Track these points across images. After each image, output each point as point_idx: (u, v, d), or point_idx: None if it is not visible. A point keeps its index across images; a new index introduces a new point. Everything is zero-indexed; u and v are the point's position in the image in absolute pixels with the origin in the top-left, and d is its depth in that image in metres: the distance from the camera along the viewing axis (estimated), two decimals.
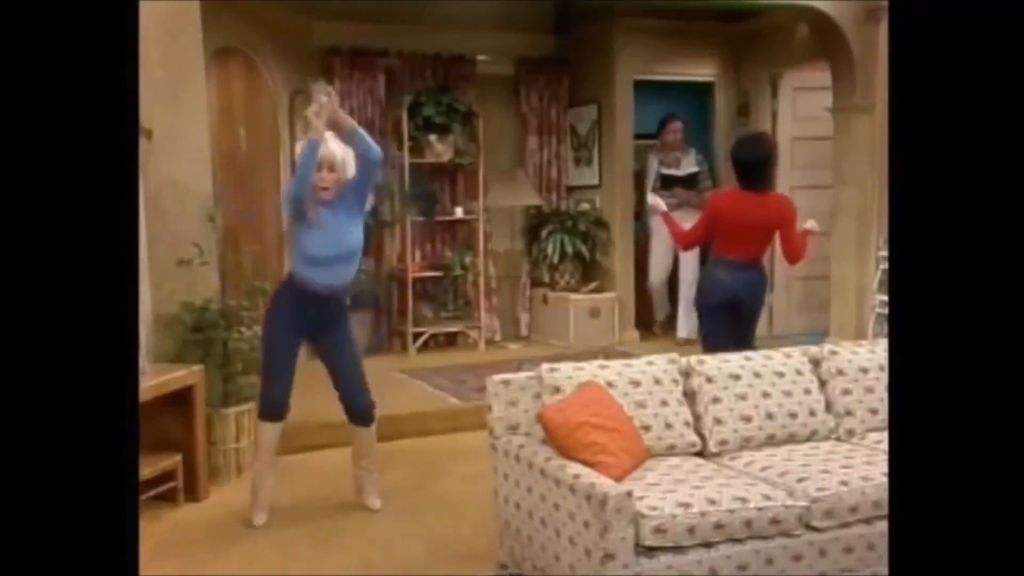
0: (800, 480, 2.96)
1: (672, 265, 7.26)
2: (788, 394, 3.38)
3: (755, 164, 4.36)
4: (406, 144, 6.93)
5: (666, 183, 6.99)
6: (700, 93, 7.81)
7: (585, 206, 7.58)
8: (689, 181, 7.03)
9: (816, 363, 3.54)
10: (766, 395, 3.35)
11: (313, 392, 4.15)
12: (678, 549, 2.67)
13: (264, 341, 3.80)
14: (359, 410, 3.91)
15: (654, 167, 7.19)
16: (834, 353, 3.57)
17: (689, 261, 6.89)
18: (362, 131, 3.61)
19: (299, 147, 3.62)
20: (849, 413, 3.46)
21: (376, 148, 3.60)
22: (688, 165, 7.06)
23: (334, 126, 3.59)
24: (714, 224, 4.46)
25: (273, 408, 3.78)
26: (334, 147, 3.58)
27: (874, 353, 3.61)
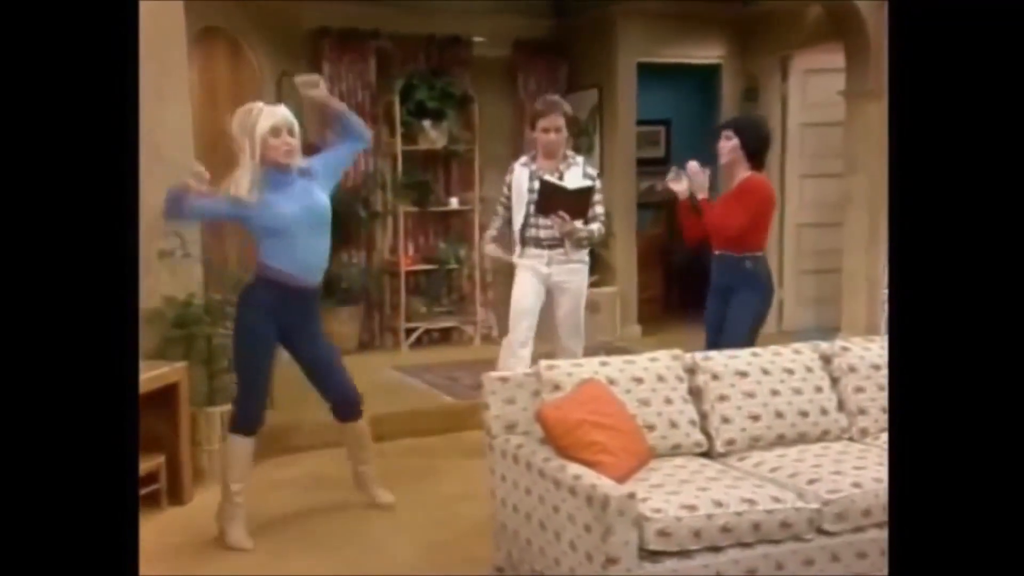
0: (811, 482, 2.96)
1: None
2: (798, 392, 3.39)
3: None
4: (398, 131, 6.92)
5: (546, 198, 4.43)
6: (706, 77, 7.80)
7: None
8: (578, 200, 4.48)
9: (827, 360, 3.54)
10: (775, 393, 3.35)
11: (305, 391, 4.13)
12: (684, 553, 2.67)
13: (237, 347, 3.69)
14: (350, 402, 3.85)
15: (522, 179, 4.62)
16: (846, 349, 3.57)
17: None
18: (352, 114, 3.75)
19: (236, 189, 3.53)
20: (862, 412, 3.46)
21: (367, 132, 3.78)
22: (574, 179, 4.54)
23: (324, 109, 3.68)
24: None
25: (247, 421, 3.68)
26: (284, 108, 3.61)
27: (887, 349, 3.62)
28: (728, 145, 4.25)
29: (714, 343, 4.23)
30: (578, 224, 4.46)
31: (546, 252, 4.59)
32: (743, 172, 4.27)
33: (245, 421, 3.68)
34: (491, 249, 4.82)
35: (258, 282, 3.64)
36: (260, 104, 3.61)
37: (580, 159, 4.72)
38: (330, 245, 3.71)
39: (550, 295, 4.65)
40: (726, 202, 4.28)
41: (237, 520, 3.66)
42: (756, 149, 4.28)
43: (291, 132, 3.56)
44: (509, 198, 4.70)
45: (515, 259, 4.69)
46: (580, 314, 4.72)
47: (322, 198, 3.63)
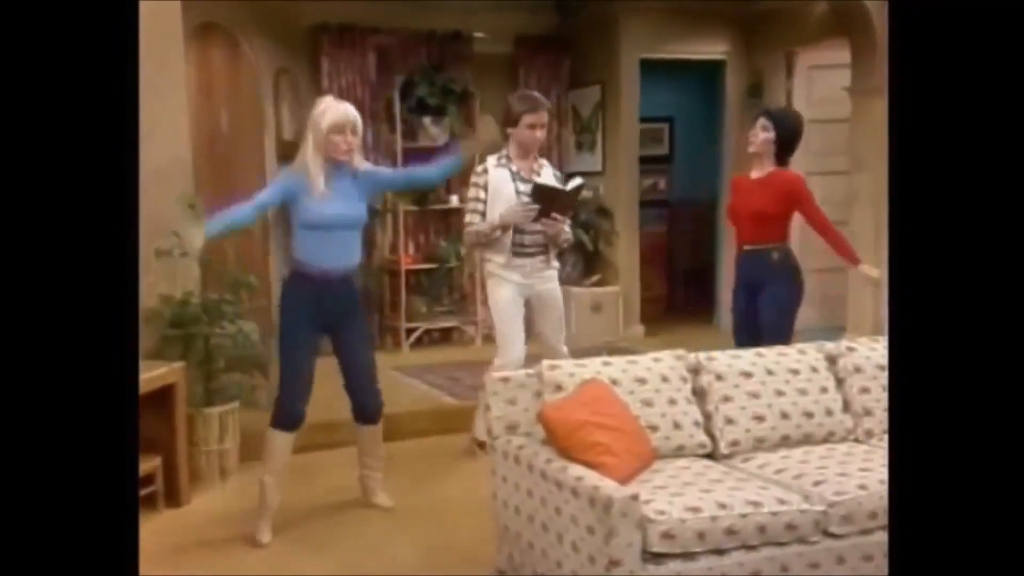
0: (816, 483, 2.97)
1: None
2: (803, 392, 3.40)
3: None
4: (398, 127, 6.93)
5: (543, 202, 4.24)
6: (710, 73, 7.80)
7: (587, 193, 7.59)
8: (570, 199, 4.43)
9: (832, 360, 3.55)
10: (780, 393, 3.36)
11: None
12: (687, 556, 2.68)
13: (279, 342, 3.78)
14: (368, 409, 3.96)
15: (502, 181, 4.37)
16: (851, 350, 3.58)
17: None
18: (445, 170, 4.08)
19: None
20: (868, 413, 3.47)
21: (436, 180, 4.25)
22: (548, 180, 4.39)
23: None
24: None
25: (287, 417, 3.74)
26: (350, 108, 3.70)
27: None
28: (763, 136, 4.42)
29: (745, 339, 4.33)
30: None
31: (528, 260, 4.40)
32: (769, 165, 4.47)
33: (282, 416, 3.74)
34: (479, 226, 4.40)
35: (293, 276, 3.77)
36: (329, 99, 3.73)
37: (544, 160, 4.55)
38: (360, 246, 3.85)
39: (529, 305, 4.52)
40: (752, 192, 4.43)
41: (262, 512, 3.74)
42: (788, 145, 4.47)
43: (353, 131, 3.66)
44: (485, 202, 4.38)
45: (498, 269, 4.44)
46: (563, 317, 4.70)
47: (360, 206, 3.75)
